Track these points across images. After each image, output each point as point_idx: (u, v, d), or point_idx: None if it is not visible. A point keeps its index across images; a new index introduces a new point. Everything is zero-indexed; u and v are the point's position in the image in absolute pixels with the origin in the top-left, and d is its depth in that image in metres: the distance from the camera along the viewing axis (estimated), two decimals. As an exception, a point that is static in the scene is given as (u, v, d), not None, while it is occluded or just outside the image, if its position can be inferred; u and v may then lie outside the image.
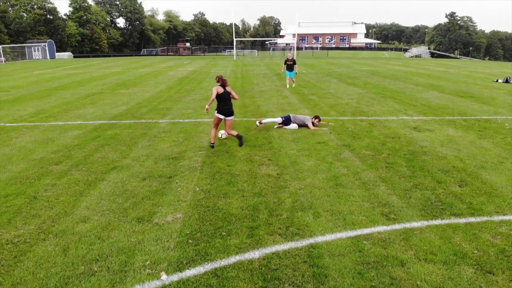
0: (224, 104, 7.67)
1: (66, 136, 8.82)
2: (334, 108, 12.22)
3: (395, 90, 16.19)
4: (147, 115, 11.19)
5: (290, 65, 17.22)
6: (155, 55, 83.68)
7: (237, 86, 18.58)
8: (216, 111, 7.73)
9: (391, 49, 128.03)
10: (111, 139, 8.43)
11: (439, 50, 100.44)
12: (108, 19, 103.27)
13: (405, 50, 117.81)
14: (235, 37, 49.30)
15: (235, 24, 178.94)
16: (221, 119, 7.73)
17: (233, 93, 7.90)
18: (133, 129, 9.40)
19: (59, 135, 8.93)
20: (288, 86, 17.65)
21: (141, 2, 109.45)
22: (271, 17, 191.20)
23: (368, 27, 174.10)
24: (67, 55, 70.25)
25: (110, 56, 77.44)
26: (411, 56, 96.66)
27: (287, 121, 9.44)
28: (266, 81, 21.22)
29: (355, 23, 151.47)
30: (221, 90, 7.57)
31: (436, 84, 19.04)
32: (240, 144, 7.79)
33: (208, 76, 23.95)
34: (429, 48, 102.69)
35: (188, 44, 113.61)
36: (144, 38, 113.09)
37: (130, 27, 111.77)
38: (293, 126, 9.37)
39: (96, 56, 75.80)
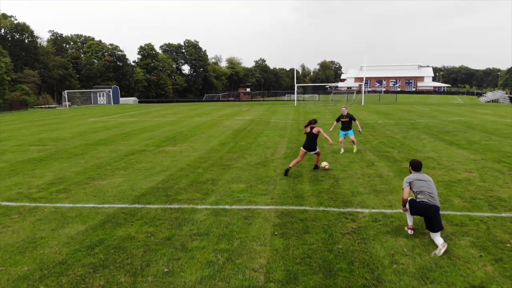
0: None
1: (59, 237, 5.93)
2: (451, 188, 8.30)
3: (521, 155, 11.81)
4: (184, 194, 8.14)
5: (345, 123, 12.69)
6: (216, 100, 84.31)
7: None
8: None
9: (462, 93, 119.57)
10: (114, 253, 5.34)
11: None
12: (174, 66, 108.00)
13: (479, 94, 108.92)
14: (296, 82, 47.07)
15: (294, 69, 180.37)
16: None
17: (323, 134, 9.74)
18: (156, 226, 6.30)
19: (50, 233, 6.08)
20: (342, 150, 12.86)
21: (205, 50, 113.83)
22: (332, 62, 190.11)
23: (435, 70, 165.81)
24: (132, 100, 72.80)
25: (173, 101, 79.23)
26: (487, 101, 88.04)
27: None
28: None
29: (421, 66, 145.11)
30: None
31: None
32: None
33: (266, 128, 21.00)
34: (507, 93, 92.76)
35: (248, 89, 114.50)
36: (207, 83, 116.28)
37: (194, 73, 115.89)
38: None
39: (160, 102, 77.86)
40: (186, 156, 12.61)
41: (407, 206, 5.73)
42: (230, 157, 12.40)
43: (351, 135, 12.88)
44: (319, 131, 9.64)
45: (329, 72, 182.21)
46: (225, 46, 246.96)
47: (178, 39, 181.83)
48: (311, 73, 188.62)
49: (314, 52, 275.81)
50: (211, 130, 20.19)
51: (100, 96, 65.89)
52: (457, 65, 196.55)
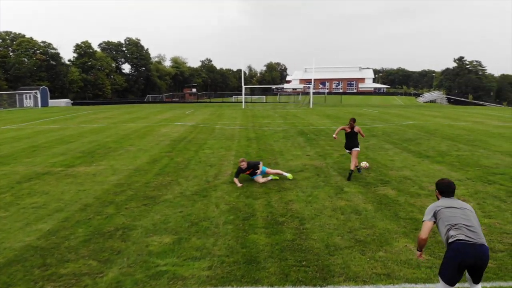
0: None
1: None
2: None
3: (505, 172, 10.13)
4: (72, 263, 5.14)
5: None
6: (159, 102, 79.47)
7: (252, 156, 12.74)
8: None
9: (400, 94, 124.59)
10: None
11: (449, 95, 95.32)
12: (113, 65, 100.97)
13: (416, 95, 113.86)
14: (244, 83, 44.57)
15: (241, 70, 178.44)
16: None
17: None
18: None
19: None
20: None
21: (147, 49, 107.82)
22: (277, 63, 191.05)
23: (375, 72, 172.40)
24: (64, 102, 65.92)
25: (111, 103, 73.24)
26: (426, 102, 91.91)
27: None
28: (291, 145, 15.40)
29: (362, 68, 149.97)
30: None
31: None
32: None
33: (211, 136, 18.16)
34: (443, 93, 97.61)
35: (194, 90, 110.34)
36: (150, 83, 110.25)
37: (135, 73, 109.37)
38: None
39: (96, 103, 71.58)
40: (99, 183, 9.45)
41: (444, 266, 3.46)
42: (159, 182, 9.45)
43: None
44: (359, 130, 9.84)
45: (275, 74, 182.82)
46: (170, 46, 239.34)
47: (119, 37, 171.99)
48: (258, 74, 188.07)
49: (260, 54, 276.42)
50: (143, 140, 16.92)
51: (26, 99, 58.59)
52: (395, 67, 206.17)
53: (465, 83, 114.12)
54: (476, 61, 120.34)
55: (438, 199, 4.06)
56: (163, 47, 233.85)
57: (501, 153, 12.91)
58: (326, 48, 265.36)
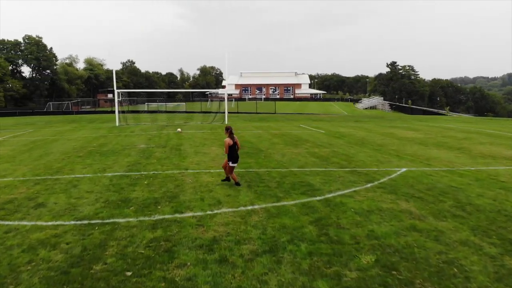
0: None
1: None
2: None
3: None
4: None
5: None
6: (63, 111, 65.05)
7: None
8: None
9: (337, 99, 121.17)
10: None
11: (389, 100, 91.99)
12: (9, 67, 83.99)
13: (354, 101, 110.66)
14: (116, 87, 33.52)
15: (172, 74, 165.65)
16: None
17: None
18: None
19: None
20: None
21: (51, 48, 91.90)
22: (212, 67, 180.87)
23: (310, 77, 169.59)
24: None
25: None
26: (365, 108, 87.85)
27: None
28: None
29: (297, 73, 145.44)
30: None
31: None
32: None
33: None
34: (384, 99, 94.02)
35: (110, 96, 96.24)
36: (56, 89, 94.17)
37: (38, 76, 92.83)
38: None
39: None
40: None
41: None
42: None
43: None
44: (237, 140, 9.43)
45: (210, 78, 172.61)
46: (91, 49, 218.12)
47: (18, 35, 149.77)
48: (191, 79, 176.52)
49: (194, 58, 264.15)
50: None
51: None
52: (329, 72, 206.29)
53: (399, 87, 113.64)
54: (409, 66, 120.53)
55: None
56: (77, 48, 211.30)
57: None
58: (261, 54, 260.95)
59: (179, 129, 21.69)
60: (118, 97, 28.54)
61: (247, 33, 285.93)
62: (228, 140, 8.89)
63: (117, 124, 28.19)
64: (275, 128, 25.89)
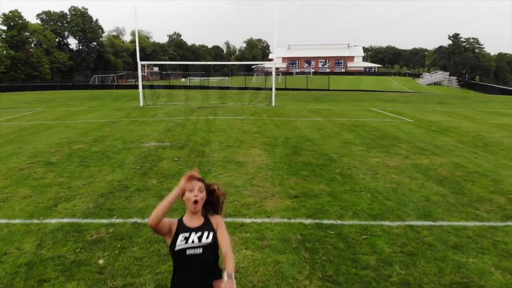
0: None
1: None
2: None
3: None
4: None
5: None
6: (109, 84, 62.39)
7: None
8: None
9: (393, 74, 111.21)
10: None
11: (454, 75, 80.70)
12: (55, 39, 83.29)
13: (413, 76, 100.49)
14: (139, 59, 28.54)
15: (218, 47, 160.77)
16: None
17: None
18: None
19: None
20: None
21: (97, 20, 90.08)
22: (259, 40, 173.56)
23: (363, 50, 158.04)
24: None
25: (40, 87, 56.03)
26: (429, 84, 77.95)
27: None
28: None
29: (350, 45, 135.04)
30: None
31: None
32: None
33: None
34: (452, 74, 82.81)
35: (156, 69, 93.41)
36: (103, 61, 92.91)
37: (85, 48, 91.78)
38: None
39: (13, 89, 54.33)
40: None
41: None
42: None
43: None
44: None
45: (256, 52, 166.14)
46: (133, 18, 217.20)
47: (64, 6, 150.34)
48: (237, 52, 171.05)
49: (239, 30, 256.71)
50: None
51: None
52: (384, 45, 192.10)
53: (462, 62, 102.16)
54: (473, 39, 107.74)
55: None
56: (124, 21, 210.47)
57: None
58: (311, 26, 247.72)
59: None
60: (144, 71, 23.74)
61: (297, 4, 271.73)
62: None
63: (141, 104, 23.42)
64: (339, 113, 19.83)
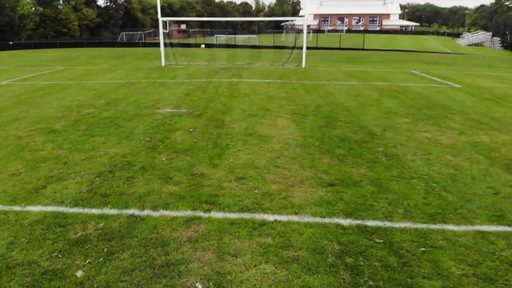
0: None
1: None
2: None
3: None
4: None
5: None
6: (136, 42, 61.42)
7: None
8: None
9: (432, 33, 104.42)
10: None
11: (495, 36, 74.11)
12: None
13: (453, 35, 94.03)
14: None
15: (247, 3, 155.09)
16: None
17: None
18: None
19: None
20: None
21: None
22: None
23: (400, 7, 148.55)
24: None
25: (68, 44, 55.91)
26: (469, 44, 72.33)
27: None
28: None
29: (386, 2, 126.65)
30: None
31: None
32: None
33: None
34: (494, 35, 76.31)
35: (183, 26, 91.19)
36: (130, 18, 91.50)
37: (112, 5, 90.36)
38: None
39: (42, 46, 54.38)
40: None
41: None
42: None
43: None
44: None
45: (287, 8, 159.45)
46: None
47: None
48: (266, 9, 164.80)
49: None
50: None
51: None
52: (422, 2, 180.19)
53: (504, 22, 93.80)
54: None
55: None
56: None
57: None
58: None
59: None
60: (166, 28, 22.23)
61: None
62: None
63: (162, 63, 22.18)
64: (377, 76, 17.93)
